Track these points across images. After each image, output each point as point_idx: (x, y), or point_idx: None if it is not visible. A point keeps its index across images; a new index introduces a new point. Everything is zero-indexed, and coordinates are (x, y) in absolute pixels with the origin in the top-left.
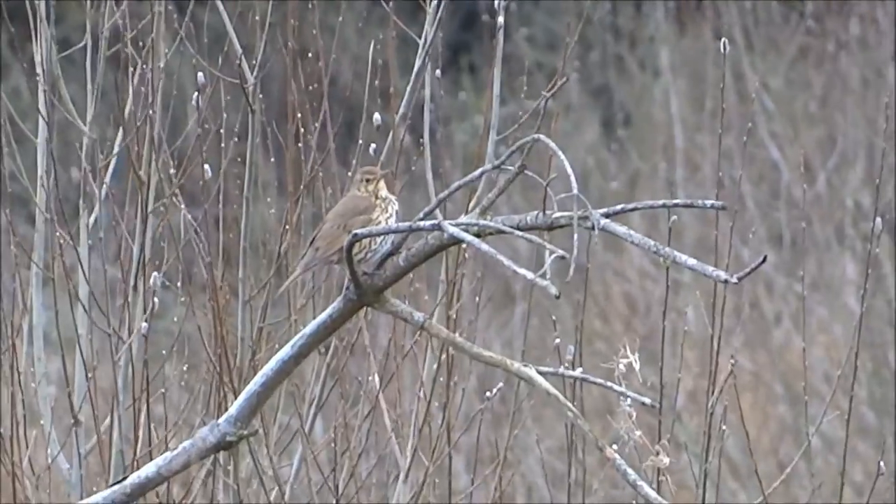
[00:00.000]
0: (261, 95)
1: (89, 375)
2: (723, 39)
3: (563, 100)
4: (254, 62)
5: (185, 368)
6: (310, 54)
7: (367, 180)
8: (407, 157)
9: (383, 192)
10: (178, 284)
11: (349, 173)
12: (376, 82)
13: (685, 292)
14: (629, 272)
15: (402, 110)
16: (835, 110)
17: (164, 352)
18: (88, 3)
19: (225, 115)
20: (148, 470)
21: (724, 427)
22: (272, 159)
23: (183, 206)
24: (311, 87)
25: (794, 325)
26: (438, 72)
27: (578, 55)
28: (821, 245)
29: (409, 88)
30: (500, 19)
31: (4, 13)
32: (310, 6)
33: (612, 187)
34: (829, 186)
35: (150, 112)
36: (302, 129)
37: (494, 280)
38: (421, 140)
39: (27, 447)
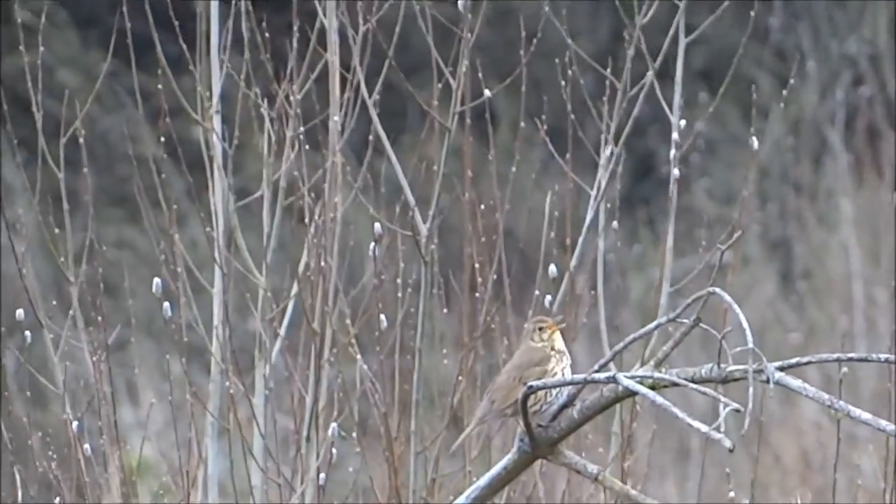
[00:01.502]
0: (433, 246)
1: None
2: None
3: (741, 253)
4: (428, 213)
5: None
6: (484, 206)
7: (540, 328)
8: (582, 308)
9: (559, 343)
10: (354, 435)
11: (524, 324)
12: (552, 234)
13: (861, 446)
14: (804, 425)
15: (574, 262)
16: None
17: (338, 503)
18: (266, 152)
19: (402, 265)
20: None
21: None
22: (444, 310)
23: (359, 356)
24: (484, 239)
25: None
26: (615, 223)
27: (757, 208)
28: None
29: (580, 240)
30: (675, 171)
31: (183, 163)
32: (487, 157)
33: (788, 340)
34: None
35: (324, 263)
36: (479, 279)
37: (670, 432)
38: (593, 292)
39: None
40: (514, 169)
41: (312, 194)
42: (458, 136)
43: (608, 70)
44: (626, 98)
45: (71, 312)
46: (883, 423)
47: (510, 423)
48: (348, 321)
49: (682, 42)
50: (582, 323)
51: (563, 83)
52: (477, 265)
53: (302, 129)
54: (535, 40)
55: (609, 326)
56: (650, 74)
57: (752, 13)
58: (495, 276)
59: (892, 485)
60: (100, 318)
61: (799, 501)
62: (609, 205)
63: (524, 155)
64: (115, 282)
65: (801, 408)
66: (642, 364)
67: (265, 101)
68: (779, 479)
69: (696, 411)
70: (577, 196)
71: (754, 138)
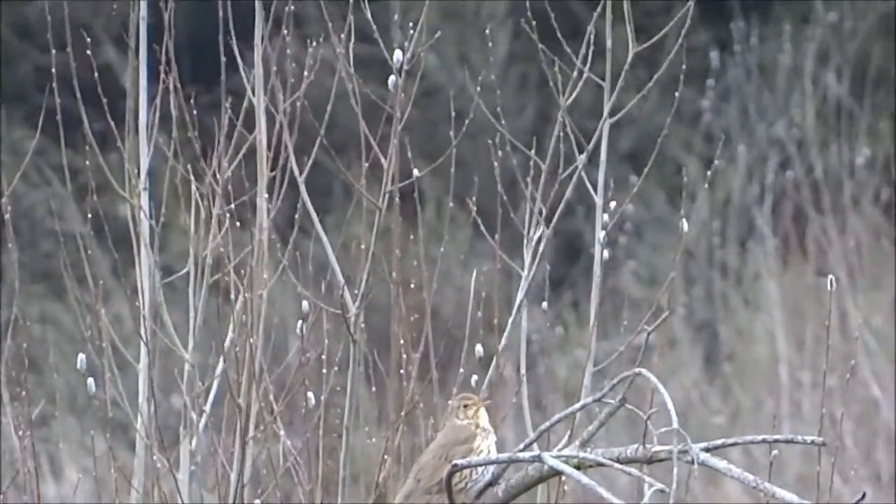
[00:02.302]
0: (363, 325)
1: None
2: (829, 277)
3: (667, 334)
4: (356, 292)
5: None
6: (412, 285)
7: (465, 406)
8: (509, 389)
9: (483, 420)
10: None
11: (448, 401)
12: (479, 314)
13: None
14: None
15: (503, 342)
16: None
17: None
18: (192, 230)
19: (327, 343)
20: None
21: None
22: (373, 388)
23: (283, 433)
24: (413, 318)
25: None
26: (545, 304)
27: (683, 290)
28: None
29: (510, 321)
30: (605, 253)
31: (109, 240)
32: (412, 238)
33: (713, 422)
34: None
35: (251, 340)
36: (405, 357)
37: None
38: (519, 373)
39: None
40: (441, 249)
41: (242, 271)
42: (387, 216)
43: (533, 151)
44: (556, 180)
45: None
46: None
47: (437, 502)
48: (272, 398)
49: (606, 122)
50: (511, 402)
51: (494, 164)
52: (402, 342)
53: (230, 206)
54: (467, 121)
55: (535, 406)
56: (582, 157)
57: (677, 94)
58: (420, 355)
59: None
60: (24, 394)
61: None
62: (535, 286)
63: (452, 235)
64: (38, 357)
65: (725, 490)
66: (568, 444)
67: (193, 177)
68: None
69: (621, 491)
70: (504, 276)
71: (684, 220)
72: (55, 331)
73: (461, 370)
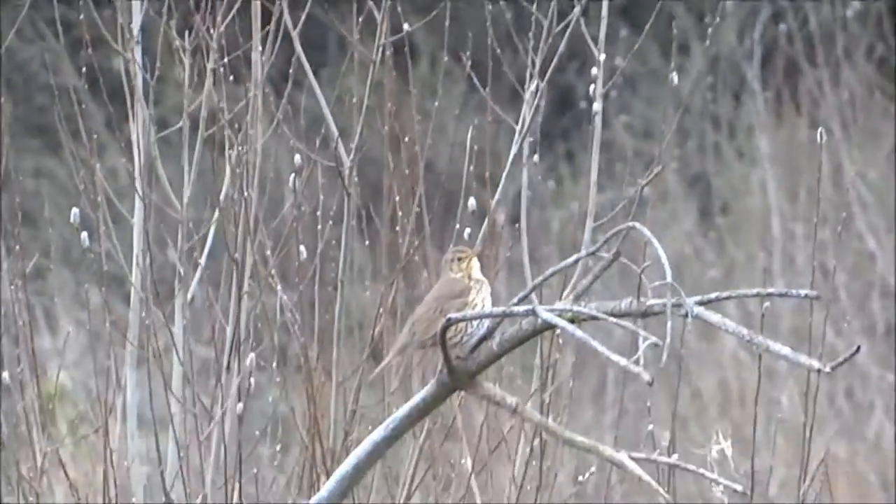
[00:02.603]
0: (356, 179)
1: (181, 455)
2: (819, 129)
3: (661, 187)
4: (350, 146)
5: (278, 449)
6: (406, 139)
7: (459, 258)
8: (504, 242)
9: (476, 272)
10: (273, 365)
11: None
12: (471, 168)
13: (780, 381)
14: (724, 360)
15: (497, 196)
16: None
17: (257, 432)
18: (186, 84)
19: (321, 198)
20: None
21: None
22: (366, 242)
23: (279, 286)
24: (407, 171)
25: (886, 415)
26: (536, 157)
27: (677, 143)
28: None
29: (504, 174)
30: (597, 106)
31: (104, 93)
32: (407, 91)
33: (708, 275)
34: None
35: (246, 194)
36: (400, 212)
37: (592, 366)
38: (516, 225)
39: None
40: (436, 103)
41: (236, 125)
42: (380, 70)
43: (534, 6)
44: (550, 34)
45: None
46: (802, 357)
47: (431, 355)
48: (268, 252)
49: None
50: (504, 257)
51: (486, 16)
52: (398, 198)
53: (224, 60)
54: None
55: (530, 260)
56: (577, 10)
57: None
58: (417, 210)
59: (812, 419)
60: (17, 247)
61: (719, 435)
62: (531, 139)
63: (446, 89)
64: (33, 211)
65: (721, 343)
66: (561, 299)
67: (186, 32)
68: (698, 413)
69: (616, 345)
70: (497, 130)
71: (675, 73)
72: (50, 185)
73: (456, 224)
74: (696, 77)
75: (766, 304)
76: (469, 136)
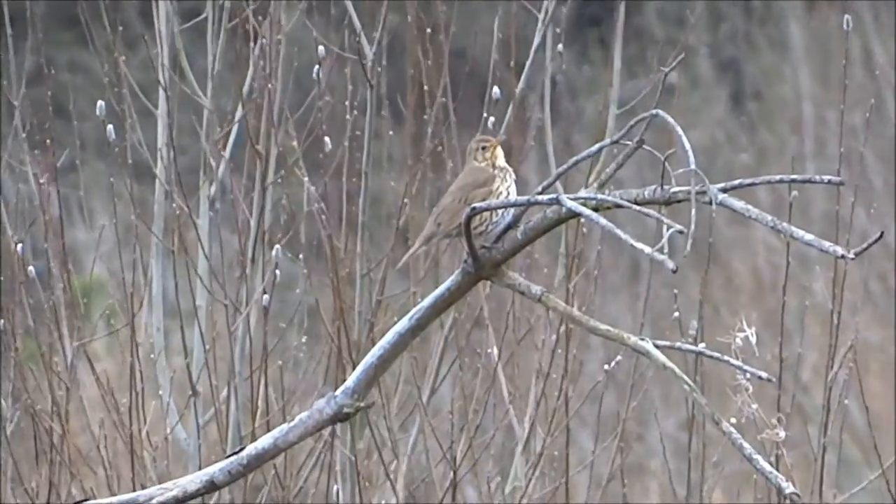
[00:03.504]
0: (381, 69)
1: (207, 347)
2: (846, 16)
3: (692, 74)
4: (374, 35)
5: (304, 340)
6: (430, 29)
7: (483, 147)
8: (531, 130)
9: (501, 161)
10: (300, 257)
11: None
12: (495, 57)
13: (812, 267)
14: (757, 246)
15: (521, 84)
16: None
17: (282, 325)
18: None
19: (350, 88)
20: (265, 441)
21: (845, 400)
22: (390, 133)
23: (305, 177)
24: (431, 62)
25: None
26: (560, 46)
27: (708, 29)
28: None
29: (528, 63)
30: None
31: None
32: None
33: (740, 161)
34: None
35: (270, 85)
36: (429, 100)
37: (623, 254)
38: (539, 117)
39: (146, 419)
40: None
41: (259, 17)
42: None
43: None
44: None
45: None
46: (826, 244)
47: (458, 245)
48: (294, 143)
49: None
50: (529, 145)
51: None
52: (426, 88)
53: None
54: None
55: (564, 146)
56: None
57: None
58: (442, 100)
59: (839, 306)
60: (48, 141)
61: (744, 322)
62: (557, 29)
63: None
64: (67, 105)
65: (753, 229)
66: (587, 186)
67: None
68: (730, 299)
69: (650, 235)
70: (525, 18)
71: None
72: (84, 79)
73: (483, 113)
74: None
75: (794, 192)
76: (496, 24)
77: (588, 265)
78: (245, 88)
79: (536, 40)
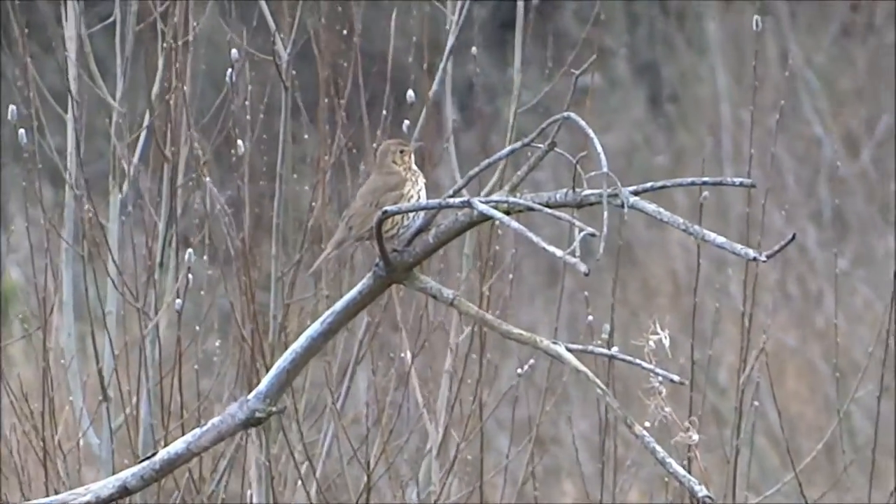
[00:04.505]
0: (294, 72)
1: (117, 353)
2: (755, 17)
3: (610, 76)
4: (281, 36)
5: (217, 344)
6: (345, 31)
7: (402, 151)
8: (445, 133)
9: (412, 164)
10: (204, 258)
11: (374, 144)
12: (409, 59)
13: (730, 269)
14: (674, 249)
15: (434, 86)
16: (880, 86)
17: (197, 328)
18: None
19: (268, 89)
20: (177, 446)
21: (755, 403)
22: (306, 136)
23: (207, 178)
24: (345, 63)
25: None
26: (474, 49)
27: (626, 31)
28: (865, 222)
29: (441, 66)
30: None
31: None
32: None
33: (657, 163)
34: (873, 163)
35: (174, 87)
36: (341, 102)
37: (542, 258)
38: (454, 119)
39: (57, 425)
40: None
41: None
42: None
43: None
44: None
45: None
46: (738, 246)
47: (369, 250)
48: (200, 146)
49: None
50: (443, 148)
51: None
52: (343, 87)
53: None
54: None
55: (480, 150)
56: None
57: None
58: (345, 101)
59: (750, 308)
60: None
61: (657, 325)
62: (474, 29)
63: None
64: None
65: (670, 232)
66: (495, 188)
67: None
68: (648, 302)
69: (566, 236)
70: (444, 19)
71: None
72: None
73: (387, 116)
74: None
75: (706, 193)
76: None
77: (503, 267)
78: (154, 91)
79: (450, 42)
